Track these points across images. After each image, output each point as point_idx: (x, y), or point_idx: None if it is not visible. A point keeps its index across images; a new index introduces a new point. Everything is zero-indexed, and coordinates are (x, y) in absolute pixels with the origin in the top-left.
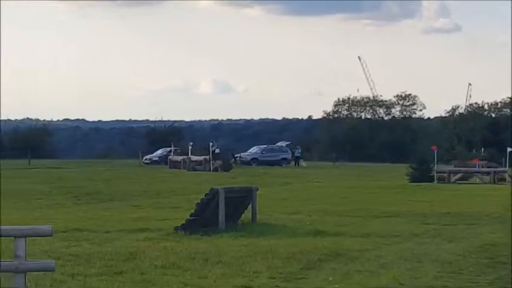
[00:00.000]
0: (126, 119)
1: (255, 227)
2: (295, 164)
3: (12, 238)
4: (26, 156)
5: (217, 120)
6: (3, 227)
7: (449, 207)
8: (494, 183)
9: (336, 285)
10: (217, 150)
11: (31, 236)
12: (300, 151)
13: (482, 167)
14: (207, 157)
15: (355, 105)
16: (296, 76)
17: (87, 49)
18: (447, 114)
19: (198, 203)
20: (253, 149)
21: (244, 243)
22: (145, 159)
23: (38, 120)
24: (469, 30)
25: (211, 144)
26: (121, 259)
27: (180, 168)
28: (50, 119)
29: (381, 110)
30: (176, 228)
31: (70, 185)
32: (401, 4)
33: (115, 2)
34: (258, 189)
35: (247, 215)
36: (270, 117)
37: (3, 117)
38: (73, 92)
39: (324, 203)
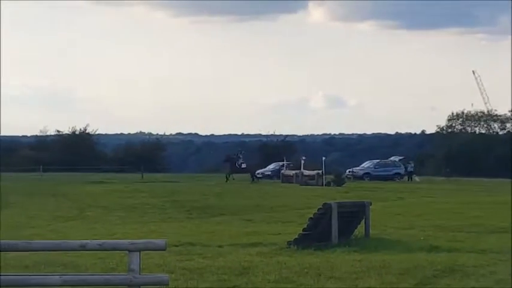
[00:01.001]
0: (239, 133)
1: (368, 242)
2: (408, 179)
3: (126, 252)
4: (139, 170)
5: (329, 134)
6: (118, 241)
7: None
8: None
9: None
10: (243, 165)
11: (145, 250)
12: (412, 166)
13: None
14: (320, 171)
15: (469, 120)
16: (409, 90)
17: (200, 64)
18: None
19: (310, 218)
20: (366, 164)
21: (357, 259)
22: (258, 173)
23: (150, 134)
24: None
25: (239, 157)
26: (234, 273)
27: (292, 183)
28: (162, 133)
29: (496, 125)
30: (289, 243)
31: (183, 199)
32: None
33: (227, 17)
34: (371, 204)
35: (360, 229)
36: (383, 131)
37: (116, 131)
38: (186, 106)
39: (437, 218)
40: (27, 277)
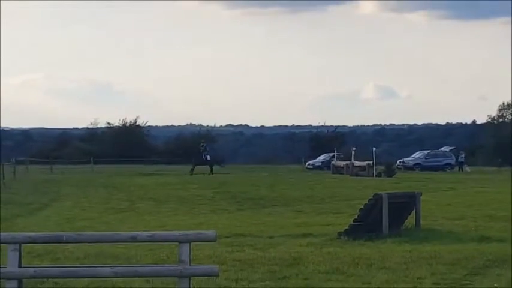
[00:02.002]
0: (289, 124)
1: (419, 232)
2: (459, 170)
3: (177, 243)
4: (190, 161)
5: (380, 125)
6: (169, 232)
7: None
8: None
9: None
10: (208, 157)
11: (195, 241)
12: (463, 156)
13: None
14: (370, 162)
15: None
16: (460, 80)
17: (250, 55)
18: None
19: (361, 209)
20: (417, 154)
21: (408, 249)
22: (308, 164)
23: (201, 125)
24: None
25: (205, 149)
26: (284, 264)
27: (342, 174)
28: (213, 125)
29: None
30: (339, 234)
31: (233, 190)
32: None
33: (279, 9)
34: (421, 195)
35: (410, 220)
36: (434, 122)
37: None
38: (236, 98)
39: (489, 209)
40: (79, 268)
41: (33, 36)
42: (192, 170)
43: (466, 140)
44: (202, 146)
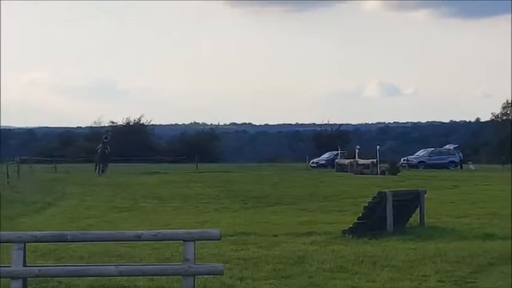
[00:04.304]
0: (293, 122)
1: (423, 230)
2: (460, 167)
3: (181, 242)
4: (194, 160)
5: (384, 123)
6: (173, 231)
7: None
8: None
9: None
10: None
11: (200, 240)
12: (461, 154)
13: None
14: (374, 160)
15: None
16: (463, 78)
17: (254, 53)
18: None
19: (365, 207)
20: (421, 152)
21: (412, 247)
22: (312, 162)
23: (205, 124)
24: None
25: (107, 140)
26: (289, 263)
27: (347, 172)
28: (217, 123)
29: None
30: (344, 232)
31: (237, 188)
32: None
33: (284, 7)
34: (426, 192)
35: (415, 218)
36: (438, 120)
37: (170, 122)
38: (240, 96)
39: (492, 206)
40: (83, 267)
41: (37, 34)
42: (99, 168)
43: (470, 138)
44: (106, 138)
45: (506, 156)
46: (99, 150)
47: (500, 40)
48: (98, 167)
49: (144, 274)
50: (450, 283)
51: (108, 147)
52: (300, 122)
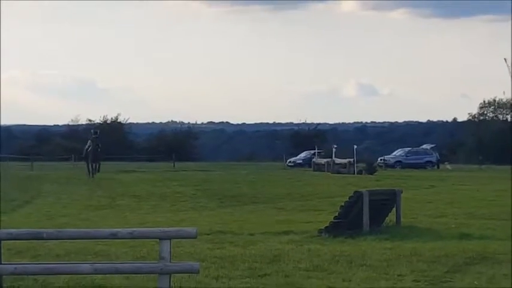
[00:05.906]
0: (270, 121)
1: (400, 229)
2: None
3: (157, 240)
4: (171, 159)
5: (361, 122)
6: (149, 229)
7: None
8: None
9: None
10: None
11: (176, 238)
12: (437, 154)
13: None
14: (351, 160)
15: (500, 108)
16: (440, 78)
17: (232, 53)
18: None
19: (342, 206)
20: (398, 152)
21: (388, 246)
22: (289, 161)
23: (182, 123)
24: None
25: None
26: (265, 261)
27: (324, 171)
28: (194, 122)
29: None
30: (320, 231)
31: (214, 187)
32: None
33: (262, 7)
34: (402, 192)
35: (391, 217)
36: (415, 119)
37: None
38: (217, 95)
39: (469, 206)
40: (59, 265)
41: (14, 32)
42: (91, 169)
43: (447, 138)
44: (96, 133)
45: (483, 156)
46: (90, 148)
47: (478, 40)
48: (91, 168)
49: (119, 272)
50: (426, 283)
51: (99, 144)
52: (277, 121)
